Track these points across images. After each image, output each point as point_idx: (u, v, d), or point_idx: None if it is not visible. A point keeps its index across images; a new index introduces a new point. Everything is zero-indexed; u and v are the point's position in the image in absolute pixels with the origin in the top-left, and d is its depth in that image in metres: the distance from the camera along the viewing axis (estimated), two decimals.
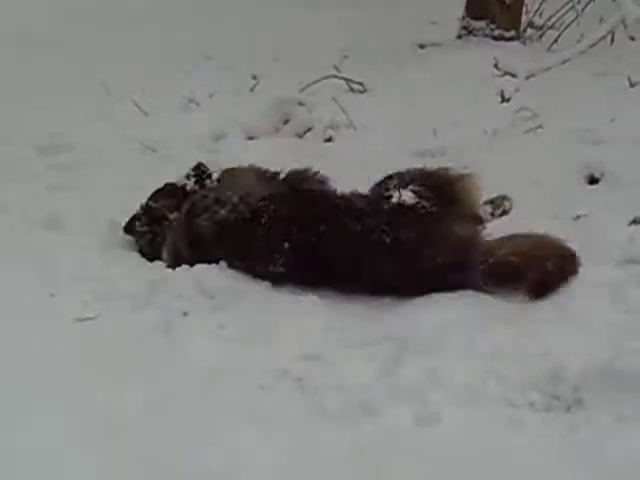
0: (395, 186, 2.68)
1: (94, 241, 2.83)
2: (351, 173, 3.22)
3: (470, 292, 2.48)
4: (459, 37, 5.72)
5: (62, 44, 5.63)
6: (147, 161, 3.66)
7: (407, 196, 2.62)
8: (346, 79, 4.80)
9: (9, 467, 1.80)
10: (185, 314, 2.55)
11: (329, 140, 4.09)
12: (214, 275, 2.67)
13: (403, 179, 2.73)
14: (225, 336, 2.45)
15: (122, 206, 3.11)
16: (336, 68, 4.96)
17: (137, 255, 2.89)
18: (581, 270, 2.52)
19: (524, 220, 2.93)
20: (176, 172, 3.40)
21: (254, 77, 4.95)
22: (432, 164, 3.63)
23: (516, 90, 3.85)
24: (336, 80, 4.76)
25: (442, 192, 2.68)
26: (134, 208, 3.04)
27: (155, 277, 2.70)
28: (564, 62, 3.93)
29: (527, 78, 3.87)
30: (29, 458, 1.83)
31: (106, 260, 2.74)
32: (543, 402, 2.03)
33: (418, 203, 2.60)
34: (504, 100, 3.87)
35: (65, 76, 4.85)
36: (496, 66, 4.10)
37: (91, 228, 2.92)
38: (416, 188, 2.65)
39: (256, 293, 2.63)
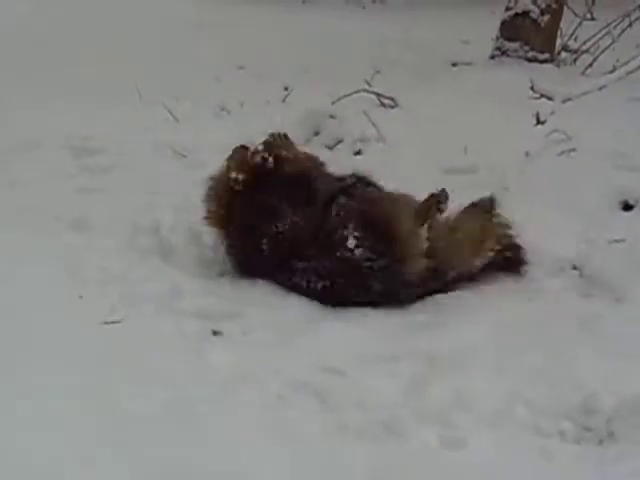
0: None
1: (121, 243, 2.83)
2: None
3: (501, 309, 2.43)
4: (492, 57, 5.71)
5: (97, 49, 5.70)
6: (177, 167, 3.66)
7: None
8: (377, 94, 4.79)
9: (19, 465, 1.77)
10: (206, 319, 2.52)
11: (358, 153, 4.07)
12: (237, 280, 2.65)
13: None
14: (245, 343, 2.43)
15: (149, 210, 3.11)
16: (367, 82, 4.96)
17: (162, 258, 2.88)
18: (620, 298, 2.47)
19: (555, 242, 2.89)
20: (204, 178, 3.40)
21: (285, 88, 4.96)
22: (462, 182, 3.62)
23: (551, 113, 3.81)
24: (367, 94, 4.76)
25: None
26: (161, 212, 3.05)
27: (179, 280, 2.69)
28: (601, 88, 3.89)
29: (564, 102, 3.84)
30: (42, 457, 1.81)
31: (132, 263, 2.73)
32: (574, 433, 1.97)
33: None
34: (539, 122, 3.83)
35: (99, 80, 4.90)
36: (532, 88, 4.07)
37: (119, 231, 2.91)
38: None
39: (279, 301, 2.61)
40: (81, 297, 2.43)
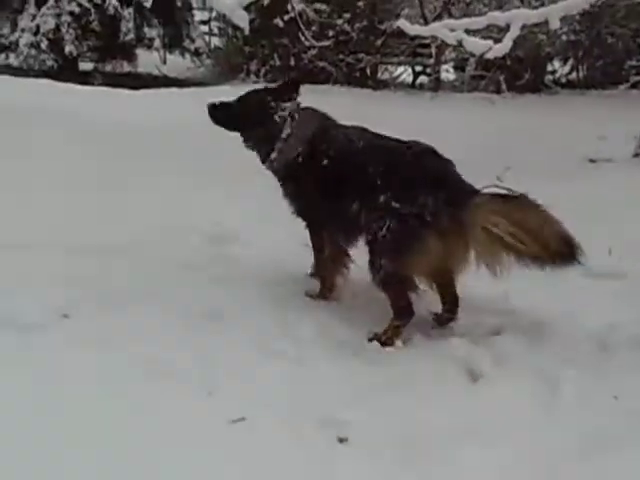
0: None
1: (251, 337, 2.80)
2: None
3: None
4: (636, 155, 5.43)
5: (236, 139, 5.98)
6: (308, 259, 3.67)
7: None
8: (508, 189, 4.64)
9: None
10: (331, 425, 2.41)
11: None
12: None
13: None
14: (375, 458, 2.28)
15: (278, 302, 3.11)
16: (498, 178, 4.84)
17: (289, 353, 2.81)
18: None
19: None
20: None
21: None
22: (608, 287, 3.34)
23: None
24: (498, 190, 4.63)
25: None
26: (291, 303, 3.05)
27: (309, 381, 2.62)
28: None
29: None
30: None
31: (262, 359, 2.68)
32: None
33: None
34: None
35: (235, 169, 5.09)
36: None
37: (249, 323, 2.90)
38: None
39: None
40: (210, 393, 2.40)
